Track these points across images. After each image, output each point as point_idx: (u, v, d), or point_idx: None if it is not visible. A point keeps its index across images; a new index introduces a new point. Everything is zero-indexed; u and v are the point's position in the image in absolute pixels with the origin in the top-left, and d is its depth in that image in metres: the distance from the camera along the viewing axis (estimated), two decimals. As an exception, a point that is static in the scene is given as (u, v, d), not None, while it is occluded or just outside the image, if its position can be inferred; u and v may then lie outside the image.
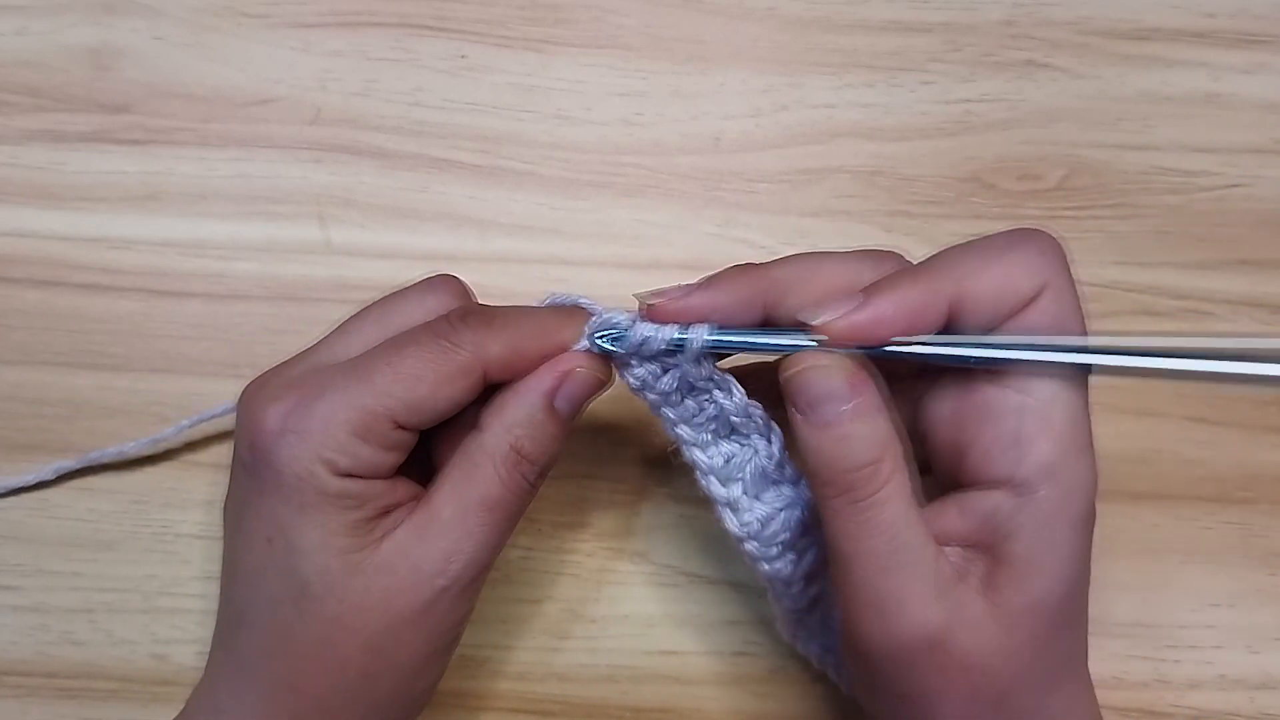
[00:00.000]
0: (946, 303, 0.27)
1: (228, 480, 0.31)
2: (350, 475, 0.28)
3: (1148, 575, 0.37)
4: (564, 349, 0.30)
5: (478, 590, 0.30)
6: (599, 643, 0.37)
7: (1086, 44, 0.41)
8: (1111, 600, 0.37)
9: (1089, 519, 0.28)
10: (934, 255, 0.29)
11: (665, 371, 0.30)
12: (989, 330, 0.28)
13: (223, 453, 0.38)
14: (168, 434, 0.36)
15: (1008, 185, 0.40)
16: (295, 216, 0.40)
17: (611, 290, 0.39)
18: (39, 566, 0.37)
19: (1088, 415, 0.28)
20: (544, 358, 0.30)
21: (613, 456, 0.38)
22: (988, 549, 0.28)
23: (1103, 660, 0.37)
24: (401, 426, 0.29)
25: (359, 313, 0.31)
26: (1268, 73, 0.41)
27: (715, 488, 0.31)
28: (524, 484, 0.30)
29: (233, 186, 0.40)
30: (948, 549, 0.28)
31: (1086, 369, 0.28)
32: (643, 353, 0.30)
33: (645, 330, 0.30)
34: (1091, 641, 0.36)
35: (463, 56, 0.41)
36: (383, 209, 0.40)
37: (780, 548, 0.31)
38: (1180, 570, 0.37)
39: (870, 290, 0.28)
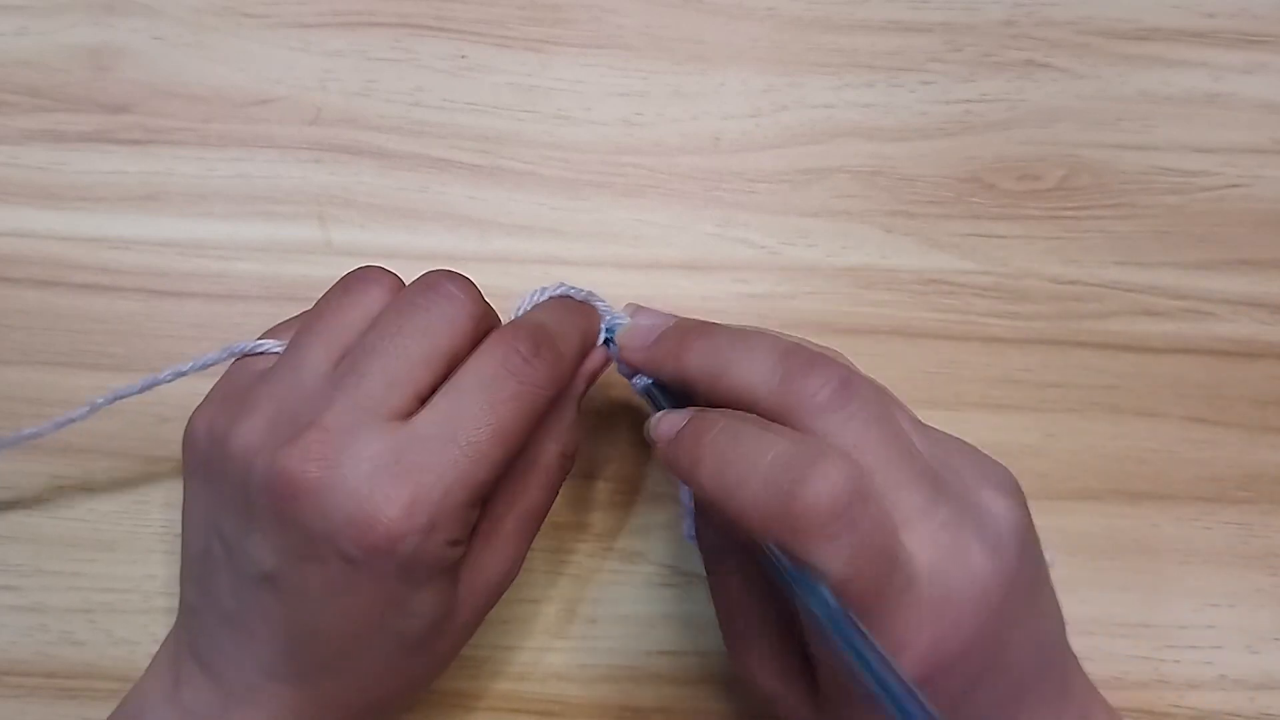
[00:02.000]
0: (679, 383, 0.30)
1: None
2: (462, 541, 0.29)
3: (1148, 575, 0.37)
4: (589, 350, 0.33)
5: None
6: (599, 643, 0.37)
7: (1086, 44, 0.41)
8: (1111, 600, 0.37)
9: (988, 598, 0.26)
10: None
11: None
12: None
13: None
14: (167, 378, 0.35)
15: (1008, 185, 0.40)
16: (295, 216, 0.40)
17: (612, 290, 0.39)
18: (39, 566, 0.37)
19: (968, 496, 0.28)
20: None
21: (613, 457, 0.38)
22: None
23: (1103, 660, 0.37)
24: (499, 474, 0.29)
25: (379, 339, 0.29)
26: (1268, 73, 0.41)
27: (682, 492, 0.33)
28: (562, 482, 0.32)
29: (233, 186, 0.40)
30: None
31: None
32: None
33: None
34: (1091, 641, 0.37)
35: (463, 56, 0.41)
36: (383, 209, 0.40)
37: None
38: (1180, 570, 0.37)
39: (656, 338, 0.32)
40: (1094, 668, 0.36)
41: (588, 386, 0.33)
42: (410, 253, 0.39)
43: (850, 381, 0.27)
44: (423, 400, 0.29)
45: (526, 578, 0.37)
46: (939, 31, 0.41)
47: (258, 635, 0.29)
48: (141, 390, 0.34)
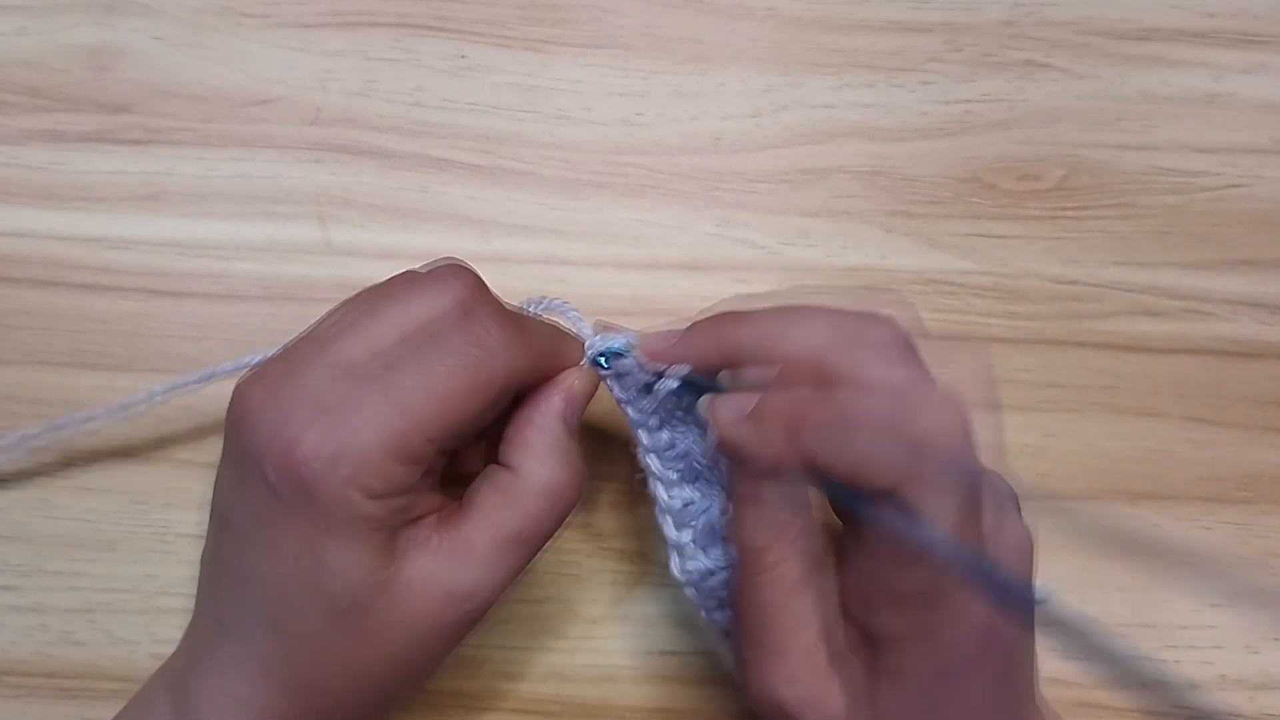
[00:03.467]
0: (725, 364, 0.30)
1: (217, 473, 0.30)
2: (384, 496, 0.28)
3: (1148, 575, 0.37)
4: (567, 366, 0.31)
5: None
6: (599, 643, 0.37)
7: (1086, 44, 0.41)
8: (1111, 600, 0.37)
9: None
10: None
11: (645, 396, 0.31)
12: None
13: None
14: (137, 399, 0.35)
15: (1008, 185, 0.40)
16: (295, 216, 0.40)
17: (612, 290, 0.39)
18: (39, 566, 0.37)
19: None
20: (554, 373, 0.31)
21: (613, 457, 0.38)
22: (892, 636, 0.29)
23: (1103, 660, 0.37)
24: (436, 446, 0.29)
25: (365, 303, 0.30)
26: (1268, 73, 0.41)
27: (669, 528, 0.32)
28: (557, 516, 0.31)
29: (233, 186, 0.40)
30: (853, 629, 0.29)
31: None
32: (624, 383, 0.31)
33: (629, 365, 0.31)
34: (1091, 641, 0.36)
35: (463, 56, 0.41)
36: (383, 209, 0.40)
37: (718, 602, 0.32)
38: (1180, 570, 0.37)
39: (684, 331, 0.30)
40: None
41: (570, 409, 0.31)
42: (410, 253, 0.39)
43: (907, 342, 0.29)
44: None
45: (526, 577, 0.37)
46: (939, 31, 0.41)
47: (210, 583, 0.31)
48: (200, 381, 0.35)
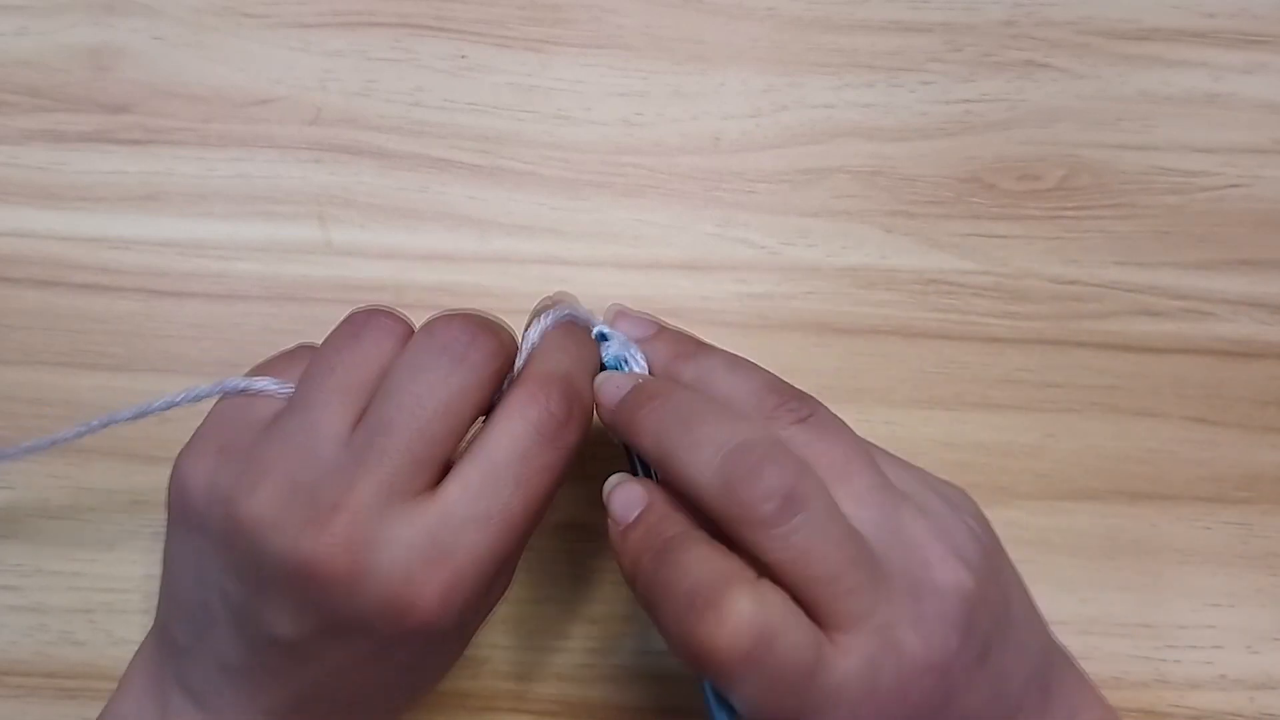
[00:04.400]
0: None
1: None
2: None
3: (1148, 575, 0.37)
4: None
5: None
6: (599, 643, 0.37)
7: (1086, 44, 0.41)
8: (1111, 600, 0.37)
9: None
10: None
11: None
12: None
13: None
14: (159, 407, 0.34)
15: (1008, 185, 0.40)
16: (295, 216, 0.40)
17: (612, 290, 0.39)
18: (39, 566, 0.37)
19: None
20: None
21: (613, 456, 0.38)
22: None
23: (1103, 660, 0.37)
24: None
25: (314, 383, 0.28)
26: (1268, 73, 0.41)
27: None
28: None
29: (233, 186, 0.40)
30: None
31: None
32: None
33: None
34: (1091, 641, 0.37)
35: (463, 56, 0.41)
36: (383, 209, 0.40)
37: None
38: (1180, 570, 0.38)
39: (617, 402, 0.30)
40: (1094, 668, 0.36)
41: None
42: (410, 253, 0.39)
43: (795, 493, 0.26)
44: (449, 463, 0.28)
45: (526, 578, 0.37)
46: (939, 31, 0.41)
47: (265, 688, 0.29)
48: (134, 418, 0.32)
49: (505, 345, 0.29)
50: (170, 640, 0.31)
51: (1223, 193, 0.40)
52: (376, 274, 0.39)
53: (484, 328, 0.29)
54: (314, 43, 0.41)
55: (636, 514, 0.28)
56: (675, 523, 0.28)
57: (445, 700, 0.36)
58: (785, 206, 0.40)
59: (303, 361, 0.30)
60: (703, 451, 0.27)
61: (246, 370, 0.31)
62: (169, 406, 0.32)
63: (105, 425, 0.33)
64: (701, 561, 0.26)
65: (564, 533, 0.38)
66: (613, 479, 0.30)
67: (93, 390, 0.38)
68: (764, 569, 0.26)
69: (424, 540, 0.26)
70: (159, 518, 0.37)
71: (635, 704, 0.36)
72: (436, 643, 0.28)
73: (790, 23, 0.41)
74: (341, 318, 0.31)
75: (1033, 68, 0.41)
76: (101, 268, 0.39)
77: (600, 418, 0.30)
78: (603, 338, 0.32)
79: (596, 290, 0.39)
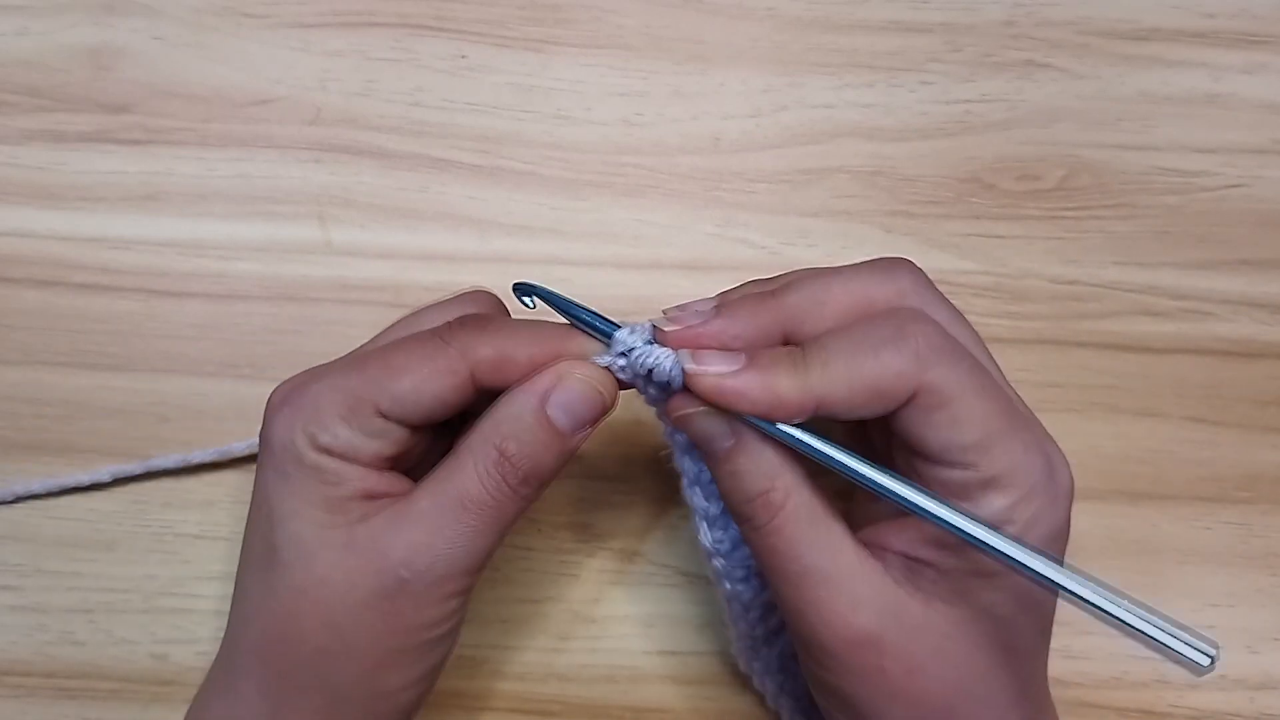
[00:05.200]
0: (814, 402, 0.27)
1: (228, 481, 0.32)
2: (329, 452, 0.29)
3: (1148, 575, 0.37)
4: (567, 357, 0.30)
5: (454, 595, 0.29)
6: (599, 643, 0.37)
7: (1086, 44, 0.41)
8: (1111, 600, 0.37)
9: (1054, 540, 0.28)
10: (815, 343, 0.28)
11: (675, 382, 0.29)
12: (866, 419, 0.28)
13: (223, 453, 0.38)
14: (238, 448, 0.37)
15: (1008, 185, 0.40)
16: (295, 216, 0.40)
17: (612, 290, 0.39)
18: (39, 566, 0.37)
19: (1045, 450, 0.29)
20: (537, 366, 0.29)
21: (613, 456, 0.38)
22: (935, 562, 0.28)
23: (1103, 660, 0.37)
24: (385, 415, 0.29)
25: (394, 323, 0.32)
26: (1268, 73, 0.41)
27: (698, 499, 0.31)
28: (505, 488, 0.29)
29: (233, 186, 0.40)
30: (893, 556, 0.29)
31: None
32: (651, 377, 0.29)
33: (653, 358, 0.29)
34: (1091, 641, 0.37)
35: (463, 56, 0.41)
36: (383, 209, 0.40)
37: (745, 571, 0.32)
38: (1180, 570, 0.37)
39: (751, 360, 0.28)
40: (1094, 667, 0.36)
41: (561, 395, 0.29)
42: (410, 253, 0.39)
43: (925, 276, 0.30)
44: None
45: (526, 578, 0.37)
46: (939, 31, 0.41)
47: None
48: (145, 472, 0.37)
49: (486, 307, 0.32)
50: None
51: (1223, 193, 0.40)
52: (376, 274, 0.39)
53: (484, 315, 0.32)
54: (314, 43, 0.41)
55: (743, 358, 0.28)
56: (776, 347, 0.29)
57: (444, 700, 0.36)
58: (785, 206, 0.40)
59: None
60: (848, 270, 0.30)
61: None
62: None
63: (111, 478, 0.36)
64: (858, 321, 0.29)
65: (564, 532, 0.38)
66: (663, 361, 0.29)
67: (93, 390, 0.38)
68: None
69: (318, 372, 0.30)
70: (159, 518, 0.37)
71: (635, 704, 0.36)
72: (281, 466, 0.29)
73: (790, 23, 0.41)
74: (341, 318, 0.32)
75: (1033, 68, 0.41)
76: (101, 268, 0.39)
77: (729, 394, 0.28)
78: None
79: (597, 290, 0.39)
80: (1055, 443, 0.30)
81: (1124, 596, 0.26)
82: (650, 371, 0.29)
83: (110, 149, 0.40)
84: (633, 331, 0.29)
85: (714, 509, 0.31)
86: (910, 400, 0.27)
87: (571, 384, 0.29)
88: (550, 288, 0.31)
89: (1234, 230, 0.40)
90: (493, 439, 0.29)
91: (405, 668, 0.30)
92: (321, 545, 0.29)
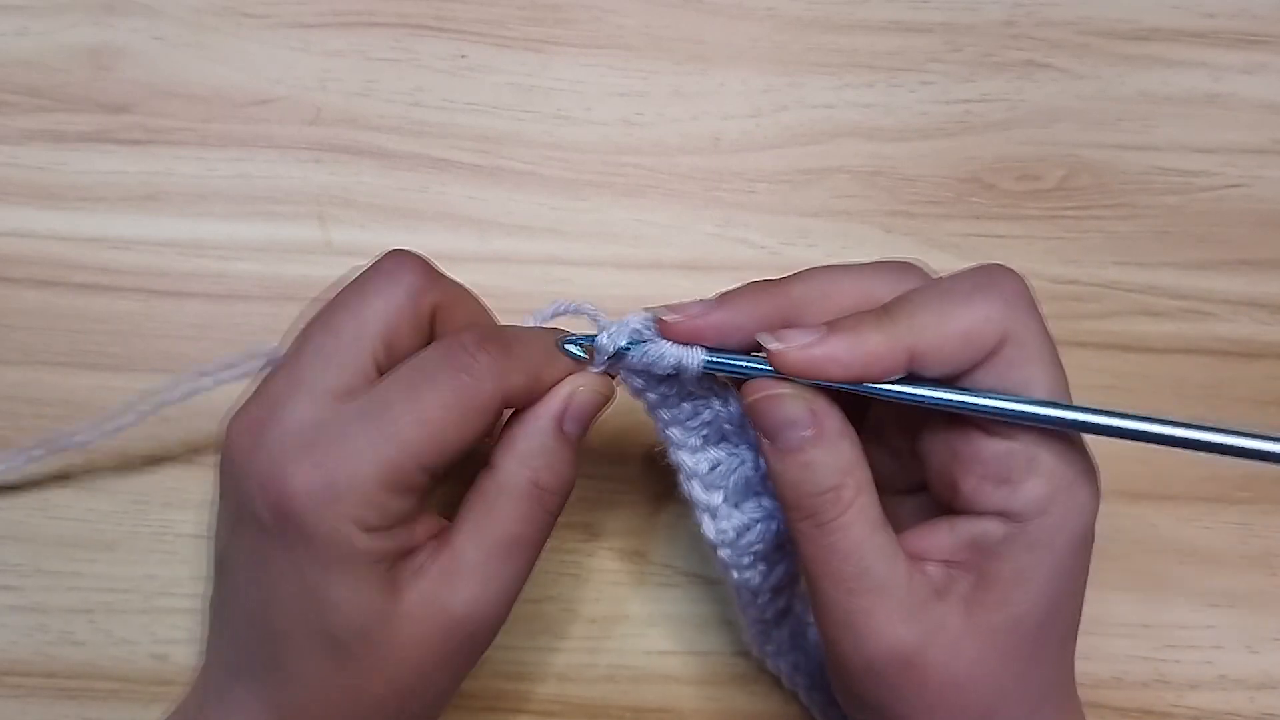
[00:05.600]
0: (906, 353, 0.27)
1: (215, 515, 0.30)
2: (379, 529, 0.27)
3: (1148, 575, 0.37)
4: (573, 371, 0.30)
5: (502, 625, 0.30)
6: (599, 643, 0.37)
7: (1086, 44, 0.41)
8: (1111, 600, 0.37)
9: (1082, 543, 0.28)
10: (899, 299, 0.28)
11: (664, 380, 0.30)
12: (949, 378, 0.28)
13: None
14: (128, 421, 0.34)
15: (1008, 185, 0.40)
16: (295, 216, 0.40)
17: (612, 290, 0.39)
18: (39, 566, 0.37)
19: (1082, 445, 0.29)
20: (554, 382, 0.30)
21: (613, 456, 0.38)
22: (972, 568, 0.28)
23: (1103, 660, 0.37)
24: (429, 471, 0.28)
25: (320, 320, 0.30)
26: (1268, 73, 0.41)
27: (697, 492, 0.31)
28: (546, 517, 0.30)
29: (233, 186, 0.40)
30: (930, 566, 0.28)
31: (1059, 424, 0.28)
32: (650, 371, 0.29)
33: (652, 353, 0.29)
34: (1091, 641, 0.36)
35: (463, 56, 0.41)
36: (383, 209, 0.40)
37: (752, 558, 0.31)
38: (1180, 570, 0.37)
39: (832, 327, 0.28)
40: (1094, 667, 0.36)
41: (573, 414, 0.30)
42: (410, 253, 0.39)
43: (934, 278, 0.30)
44: (369, 381, 0.28)
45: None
46: (939, 31, 0.41)
47: (216, 626, 0.30)
48: (183, 398, 0.34)
49: (441, 284, 0.31)
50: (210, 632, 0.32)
51: (1223, 193, 0.40)
52: (376, 274, 0.39)
53: (418, 260, 0.31)
54: (314, 43, 0.41)
55: (818, 332, 0.28)
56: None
57: (445, 700, 0.36)
58: (785, 206, 0.40)
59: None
60: (856, 269, 0.29)
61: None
62: (218, 383, 0.34)
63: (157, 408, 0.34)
64: (941, 279, 0.30)
65: (564, 533, 0.38)
66: (761, 398, 0.28)
67: (93, 390, 0.38)
68: None
69: (315, 428, 0.27)
70: (159, 518, 0.37)
71: (635, 704, 0.36)
72: (332, 563, 0.27)
73: (790, 23, 0.41)
74: None
75: (1033, 68, 0.41)
76: (101, 268, 0.39)
77: (816, 366, 0.28)
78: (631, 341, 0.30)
79: (596, 290, 0.39)
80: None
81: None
82: (646, 370, 0.29)
83: (110, 149, 0.40)
84: (613, 331, 0.29)
85: (715, 499, 0.31)
86: (995, 351, 0.27)
87: (582, 397, 0.30)
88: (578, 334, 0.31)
89: (1234, 230, 0.40)
90: (525, 474, 0.29)
91: (452, 696, 0.31)
92: (383, 624, 0.28)
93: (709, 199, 0.40)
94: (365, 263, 0.40)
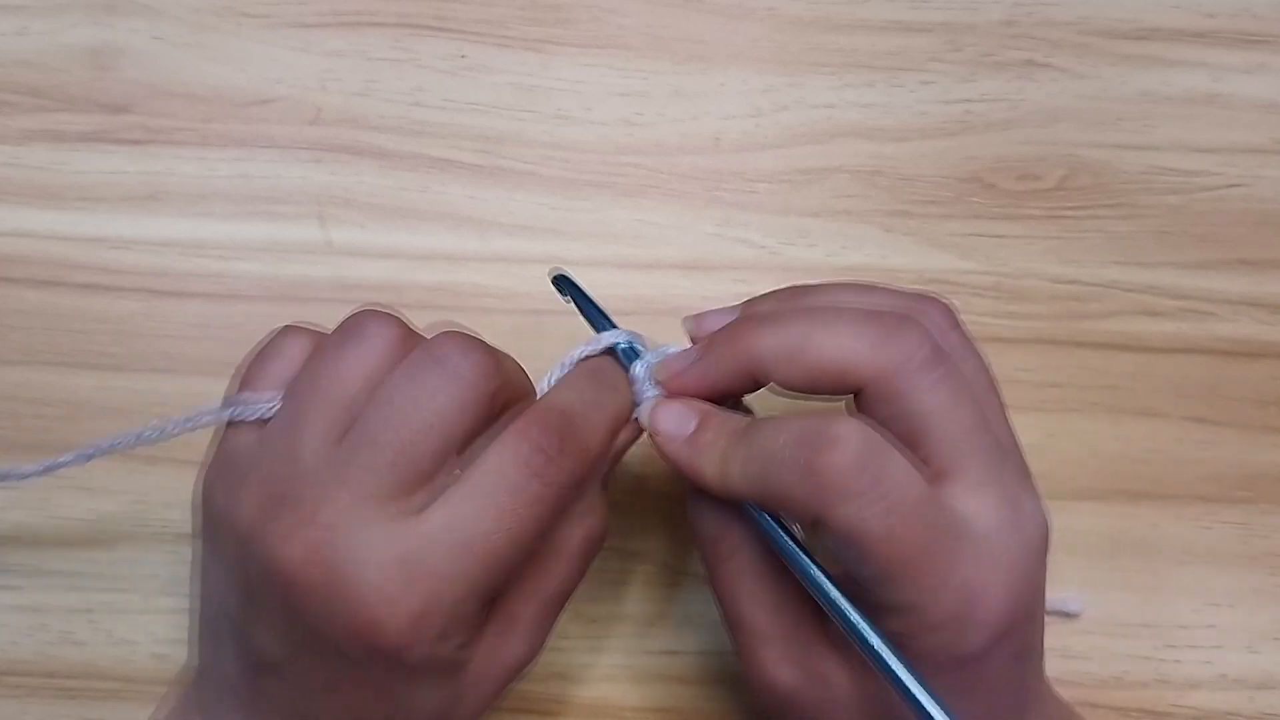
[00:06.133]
0: (748, 369, 0.28)
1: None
2: (467, 641, 0.27)
3: (1148, 575, 0.37)
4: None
5: None
6: (599, 643, 0.37)
7: (1086, 44, 0.41)
8: (1111, 600, 0.37)
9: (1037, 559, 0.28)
10: (786, 310, 0.29)
11: None
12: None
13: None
14: (151, 435, 0.33)
15: (1008, 185, 0.40)
16: (295, 216, 0.40)
17: (612, 290, 0.39)
18: (39, 566, 0.37)
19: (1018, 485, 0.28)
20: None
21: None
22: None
23: (1103, 660, 0.37)
24: (512, 575, 0.28)
25: (301, 387, 0.28)
26: (1268, 73, 0.41)
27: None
28: (590, 562, 0.30)
29: (233, 186, 0.40)
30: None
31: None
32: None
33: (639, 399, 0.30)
34: (1091, 641, 0.37)
35: (463, 56, 0.41)
36: (383, 209, 0.40)
37: None
38: (1180, 570, 0.37)
39: (698, 428, 0.29)
40: (1094, 667, 0.36)
41: (615, 464, 0.30)
42: (410, 253, 0.39)
43: (939, 347, 0.27)
44: (432, 482, 0.27)
45: (526, 578, 0.37)
46: (939, 31, 0.41)
47: (260, 711, 0.28)
48: (133, 444, 0.32)
49: (504, 368, 0.28)
50: (200, 661, 0.31)
51: (1223, 193, 0.40)
52: (376, 274, 0.39)
53: (480, 346, 0.28)
54: (314, 43, 0.41)
55: (695, 422, 0.29)
56: (736, 417, 0.29)
57: (445, 700, 0.36)
58: (785, 206, 0.40)
59: (299, 352, 0.29)
60: (842, 321, 0.27)
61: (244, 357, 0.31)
62: (164, 436, 0.32)
63: (104, 451, 0.32)
64: (788, 422, 0.27)
65: (564, 533, 0.38)
66: (644, 406, 0.30)
67: (93, 390, 0.38)
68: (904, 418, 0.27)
69: (400, 559, 0.25)
70: (159, 518, 0.37)
71: (635, 704, 0.36)
72: (419, 674, 0.27)
73: (790, 23, 0.41)
74: (342, 318, 0.30)
75: (1033, 68, 0.41)
76: (102, 268, 0.39)
77: (667, 456, 0.29)
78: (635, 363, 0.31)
79: (597, 290, 0.39)
80: (1031, 486, 0.29)
81: None
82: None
83: (110, 149, 0.40)
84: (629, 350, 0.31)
85: None
86: (859, 392, 0.28)
87: (619, 450, 0.31)
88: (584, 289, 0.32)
89: (1234, 230, 0.40)
90: (579, 534, 0.29)
91: None
92: (459, 701, 0.28)
93: (709, 199, 0.40)
94: (365, 263, 0.40)
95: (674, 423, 0.29)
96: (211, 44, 0.41)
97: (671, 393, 0.30)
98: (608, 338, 0.31)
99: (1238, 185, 0.40)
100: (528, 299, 0.38)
